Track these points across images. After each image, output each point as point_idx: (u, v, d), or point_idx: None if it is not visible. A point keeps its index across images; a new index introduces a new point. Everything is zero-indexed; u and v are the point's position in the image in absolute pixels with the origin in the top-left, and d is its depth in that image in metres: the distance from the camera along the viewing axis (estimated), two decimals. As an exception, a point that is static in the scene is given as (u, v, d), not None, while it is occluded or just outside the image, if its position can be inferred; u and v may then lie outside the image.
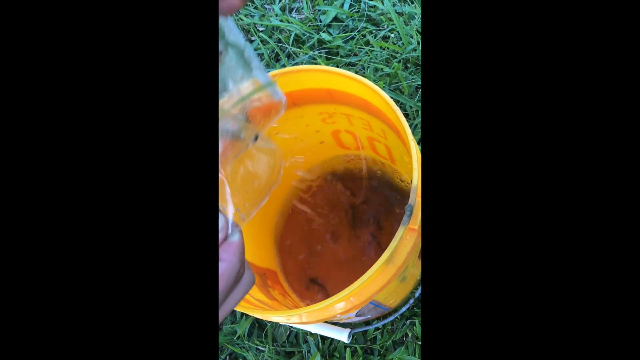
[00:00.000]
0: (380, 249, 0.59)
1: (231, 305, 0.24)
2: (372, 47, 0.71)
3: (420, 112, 0.64)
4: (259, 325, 0.60)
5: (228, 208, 0.29)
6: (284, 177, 0.61)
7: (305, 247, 0.62)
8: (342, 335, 0.54)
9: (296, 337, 0.59)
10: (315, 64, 0.72)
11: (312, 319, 0.38)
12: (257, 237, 0.58)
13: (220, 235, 0.25)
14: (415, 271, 0.51)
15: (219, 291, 0.22)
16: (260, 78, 0.30)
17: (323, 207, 0.62)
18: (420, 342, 0.55)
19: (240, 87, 0.30)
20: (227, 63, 0.29)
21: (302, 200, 0.62)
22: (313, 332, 0.56)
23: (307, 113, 0.51)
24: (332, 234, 0.61)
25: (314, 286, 0.60)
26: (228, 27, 0.28)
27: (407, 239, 0.35)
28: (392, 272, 0.36)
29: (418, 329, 0.55)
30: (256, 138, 0.32)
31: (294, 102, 0.48)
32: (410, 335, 0.56)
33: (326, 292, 0.59)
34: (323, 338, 0.57)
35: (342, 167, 0.61)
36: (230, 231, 0.26)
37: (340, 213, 0.61)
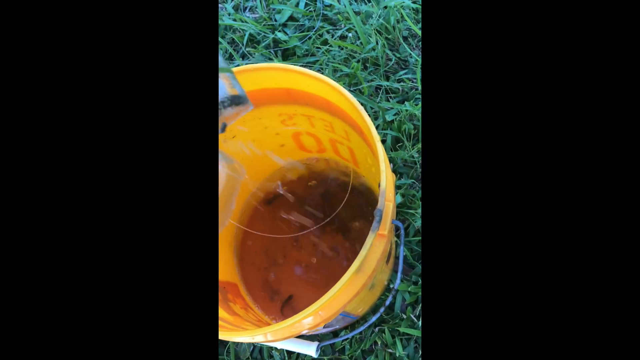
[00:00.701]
0: (346, 256, 0.56)
1: None
2: (330, 46, 0.69)
3: (381, 114, 0.63)
4: (220, 341, 0.56)
5: None
6: (242, 183, 0.58)
7: (267, 257, 0.58)
8: (309, 350, 0.51)
9: (260, 352, 0.56)
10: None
11: (278, 337, 0.35)
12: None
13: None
14: (383, 276, 0.49)
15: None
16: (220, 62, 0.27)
17: (285, 214, 0.59)
18: (390, 350, 0.53)
19: None
20: None
21: (262, 207, 0.59)
22: (279, 347, 0.53)
23: (266, 114, 0.48)
24: (294, 242, 0.58)
25: (278, 297, 0.57)
26: None
27: (376, 246, 0.33)
28: (362, 282, 0.34)
29: (387, 336, 0.53)
30: (223, 129, 0.29)
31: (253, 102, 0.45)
32: (379, 343, 0.54)
33: (291, 304, 0.56)
34: (289, 353, 0.54)
35: (303, 171, 0.59)
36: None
37: (302, 219, 0.59)
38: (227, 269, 0.56)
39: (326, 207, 0.59)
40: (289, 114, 0.48)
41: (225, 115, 0.30)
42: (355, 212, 0.57)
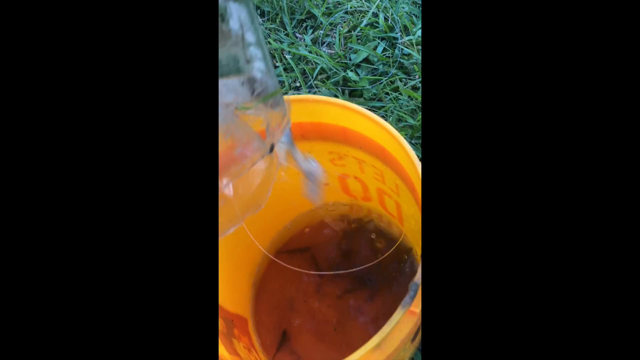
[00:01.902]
0: (370, 318, 0.51)
1: None
2: (399, 95, 0.67)
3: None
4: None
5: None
6: (277, 216, 0.55)
7: (285, 299, 0.54)
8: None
9: (254, 400, 0.51)
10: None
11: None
12: (233, 277, 0.51)
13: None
14: (405, 354, 0.43)
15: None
16: (269, 83, 0.24)
17: (313, 257, 0.55)
18: None
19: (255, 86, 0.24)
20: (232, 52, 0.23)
21: (291, 248, 0.56)
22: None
23: (316, 150, 0.45)
24: (317, 289, 0.54)
25: (287, 343, 0.52)
26: (240, 13, 0.23)
27: (404, 324, 0.28)
28: (378, 360, 0.29)
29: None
30: (271, 149, 0.26)
31: (302, 134, 0.43)
32: None
33: (290, 347, 0.51)
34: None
35: (342, 216, 0.55)
36: None
37: (330, 267, 0.54)
38: (241, 301, 0.52)
39: (357, 258, 0.54)
40: (339, 154, 0.45)
41: (265, 118, 0.27)
42: (390, 274, 0.52)
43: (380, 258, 0.52)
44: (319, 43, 0.77)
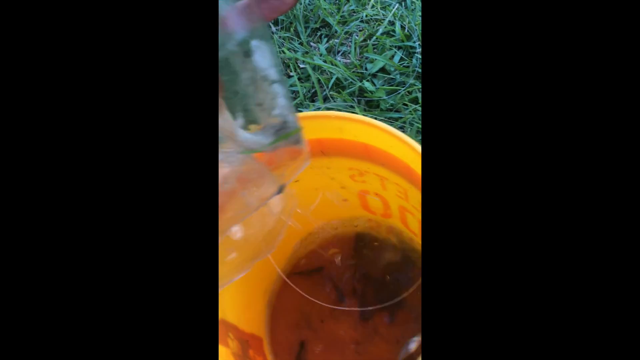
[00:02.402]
0: (390, 339, 0.49)
1: None
2: (418, 106, 0.65)
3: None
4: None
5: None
6: (295, 232, 0.53)
7: (302, 317, 0.53)
8: None
9: (269, 423, 0.49)
10: (353, 112, 0.66)
11: None
12: (247, 295, 0.49)
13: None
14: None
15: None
16: (290, 121, 0.23)
17: (331, 275, 0.53)
18: None
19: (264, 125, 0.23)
20: (247, 93, 0.22)
21: (303, 268, 0.54)
22: None
23: (335, 165, 0.43)
24: (336, 309, 0.52)
25: (303, 365, 0.50)
26: (262, 50, 0.22)
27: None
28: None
29: None
30: (281, 190, 0.24)
31: (322, 150, 0.41)
32: None
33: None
34: None
35: (362, 233, 0.53)
36: None
37: (349, 286, 0.53)
38: (255, 320, 0.51)
39: (373, 278, 0.53)
40: (360, 170, 0.43)
41: (280, 161, 0.26)
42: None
43: (410, 291, 0.50)
44: (334, 52, 0.75)
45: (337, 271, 0.54)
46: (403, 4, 0.77)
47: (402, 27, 0.74)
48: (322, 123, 0.38)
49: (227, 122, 0.22)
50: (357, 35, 0.76)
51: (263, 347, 0.50)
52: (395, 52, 0.72)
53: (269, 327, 0.53)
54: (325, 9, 0.79)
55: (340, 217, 0.54)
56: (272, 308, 0.54)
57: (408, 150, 0.34)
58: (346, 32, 0.76)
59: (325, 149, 0.41)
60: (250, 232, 0.26)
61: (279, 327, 0.53)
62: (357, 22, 0.77)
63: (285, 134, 0.23)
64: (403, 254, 0.51)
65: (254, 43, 0.21)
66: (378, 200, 0.47)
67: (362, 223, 0.53)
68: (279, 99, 0.23)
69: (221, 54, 0.21)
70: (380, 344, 0.49)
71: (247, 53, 0.21)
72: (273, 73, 0.22)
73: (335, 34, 0.77)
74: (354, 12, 0.79)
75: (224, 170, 0.23)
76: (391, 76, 0.70)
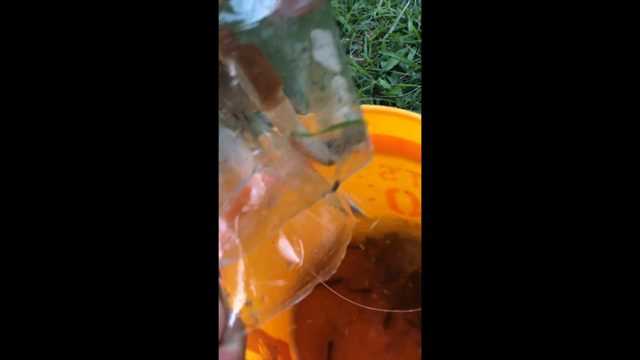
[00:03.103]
0: (416, 348, 0.48)
1: None
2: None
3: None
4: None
5: (235, 296, 0.19)
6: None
7: (327, 321, 0.51)
8: None
9: None
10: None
11: None
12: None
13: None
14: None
15: None
16: (353, 113, 0.22)
17: (354, 278, 0.52)
18: None
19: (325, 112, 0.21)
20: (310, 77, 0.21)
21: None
22: None
23: (365, 163, 0.42)
24: (360, 310, 0.51)
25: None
26: (323, 40, 0.20)
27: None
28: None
29: None
30: (336, 186, 0.23)
31: (354, 147, 0.40)
32: None
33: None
34: None
35: (388, 233, 0.52)
36: (228, 333, 0.18)
37: (376, 287, 0.51)
38: (281, 325, 0.49)
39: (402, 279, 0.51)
40: (391, 167, 0.42)
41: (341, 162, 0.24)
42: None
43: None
44: (346, 51, 0.74)
45: (359, 277, 0.53)
46: (415, 0, 0.77)
47: (415, 24, 0.73)
48: (356, 118, 0.36)
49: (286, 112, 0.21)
50: (369, 34, 0.75)
51: (289, 352, 0.49)
52: (409, 49, 0.71)
53: (294, 332, 0.51)
54: (335, 7, 0.78)
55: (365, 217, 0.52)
56: (296, 313, 0.52)
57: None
58: (357, 31, 0.75)
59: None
60: (308, 238, 0.24)
61: (304, 332, 0.51)
62: (367, 21, 0.76)
63: (347, 122, 0.21)
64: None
65: (314, 33, 0.20)
66: (407, 198, 0.45)
67: (388, 224, 0.52)
68: (342, 93, 0.21)
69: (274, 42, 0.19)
70: (408, 343, 0.48)
71: (307, 48, 0.20)
72: (334, 64, 0.21)
73: (346, 32, 0.76)
74: (364, 11, 0.78)
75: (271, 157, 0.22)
76: (406, 74, 0.69)
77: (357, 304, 0.48)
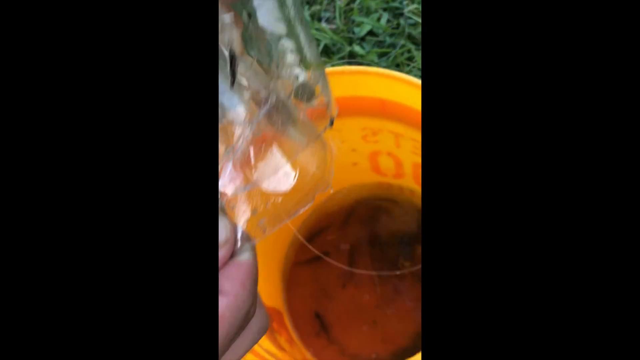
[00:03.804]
0: (410, 297, 0.49)
1: None
2: (411, 65, 0.64)
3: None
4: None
5: (239, 210, 0.19)
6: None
7: (318, 286, 0.52)
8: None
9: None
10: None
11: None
12: (265, 266, 0.48)
13: (222, 252, 0.17)
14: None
15: (219, 340, 0.16)
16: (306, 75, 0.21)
17: (344, 242, 0.53)
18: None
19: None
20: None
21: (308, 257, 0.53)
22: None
23: (348, 127, 0.42)
24: (351, 275, 0.52)
25: (324, 333, 0.50)
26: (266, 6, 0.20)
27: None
28: None
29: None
30: (331, 122, 0.23)
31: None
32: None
33: (340, 346, 0.49)
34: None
35: (373, 196, 0.53)
36: (238, 246, 0.18)
37: (364, 251, 0.52)
38: (273, 293, 0.50)
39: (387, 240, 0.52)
40: (373, 129, 0.42)
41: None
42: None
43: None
44: (316, 19, 0.73)
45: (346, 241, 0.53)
46: (384, -36, 0.75)
47: (386, -11, 0.72)
48: (336, 80, 0.36)
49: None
50: (340, 1, 0.73)
51: (284, 320, 0.50)
52: (382, 13, 0.70)
53: (286, 300, 0.52)
54: (304, -26, 0.76)
55: (348, 183, 0.53)
56: (286, 280, 0.53)
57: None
58: (328, -3, 0.74)
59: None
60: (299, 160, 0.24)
61: (296, 299, 0.52)
62: (338, -13, 0.75)
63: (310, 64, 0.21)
64: (417, 214, 0.51)
65: (256, 2, 0.20)
66: (390, 160, 0.46)
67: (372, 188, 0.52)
68: (288, 56, 0.21)
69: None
70: (403, 303, 0.49)
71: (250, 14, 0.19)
72: (280, 28, 0.21)
73: (317, 0, 0.74)
74: (334, -23, 0.77)
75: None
76: (379, 39, 0.68)
77: (348, 268, 0.49)
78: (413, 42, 0.67)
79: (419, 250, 0.51)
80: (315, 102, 0.25)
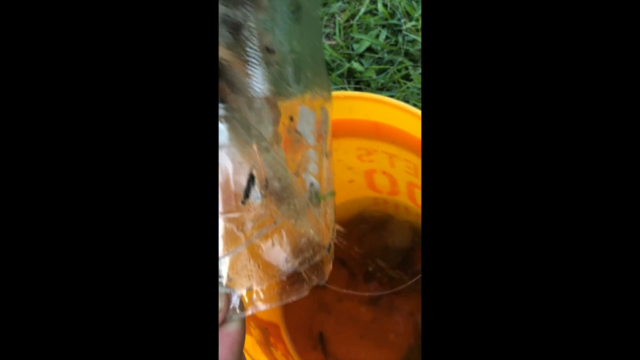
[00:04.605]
0: (408, 311, 0.50)
1: None
2: (408, 83, 0.65)
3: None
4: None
5: (237, 283, 0.20)
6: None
7: (315, 300, 0.53)
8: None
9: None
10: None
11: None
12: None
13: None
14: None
15: None
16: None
17: (340, 256, 0.54)
18: None
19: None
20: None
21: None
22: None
23: (343, 147, 0.43)
24: (346, 289, 0.53)
25: (321, 347, 0.51)
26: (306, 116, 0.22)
27: None
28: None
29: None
30: (329, 249, 0.24)
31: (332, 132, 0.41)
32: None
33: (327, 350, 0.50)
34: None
35: (368, 213, 0.54)
36: (230, 314, 0.19)
37: (357, 266, 0.53)
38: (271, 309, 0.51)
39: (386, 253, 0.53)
40: (368, 150, 0.43)
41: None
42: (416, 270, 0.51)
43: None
44: (318, 35, 0.75)
45: (346, 254, 0.54)
46: (383, -19, 0.77)
47: (384, 5, 0.74)
48: (334, 104, 0.38)
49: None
50: (340, 17, 0.75)
51: (281, 333, 0.51)
52: (380, 30, 0.72)
53: (283, 313, 0.53)
54: (305, -9, 0.78)
55: (344, 199, 0.54)
56: (284, 294, 0.54)
57: (419, 123, 0.35)
58: (329, 14, 0.76)
59: (334, 131, 0.41)
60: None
61: (293, 313, 0.53)
62: (339, 4, 0.76)
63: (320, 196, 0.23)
64: (412, 230, 0.52)
65: (303, 109, 0.22)
66: (385, 178, 0.47)
67: (368, 204, 0.53)
68: (311, 165, 0.23)
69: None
70: (399, 317, 0.50)
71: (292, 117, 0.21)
72: (310, 139, 0.22)
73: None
74: (334, -7, 0.78)
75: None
76: (378, 55, 0.70)
77: (343, 290, 0.50)
78: (410, 59, 0.69)
79: (415, 265, 0.52)
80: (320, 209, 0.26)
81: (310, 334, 0.52)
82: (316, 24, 0.23)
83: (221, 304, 0.19)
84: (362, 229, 0.54)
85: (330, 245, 0.25)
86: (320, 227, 0.24)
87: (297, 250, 0.22)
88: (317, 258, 0.23)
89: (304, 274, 0.23)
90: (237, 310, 0.19)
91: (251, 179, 0.20)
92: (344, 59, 0.70)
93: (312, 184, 0.23)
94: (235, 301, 0.19)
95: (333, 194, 0.24)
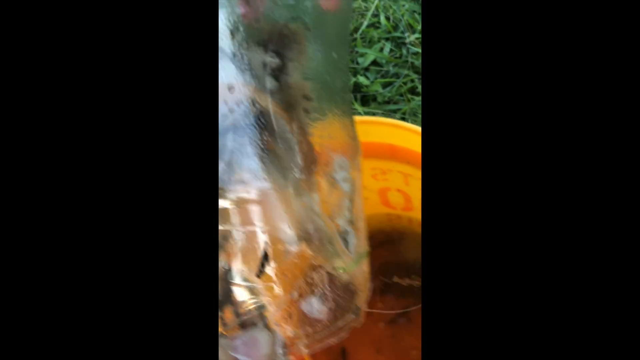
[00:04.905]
0: (407, 333, 0.51)
1: None
2: (414, 96, 0.66)
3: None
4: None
5: (282, 328, 0.21)
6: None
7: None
8: None
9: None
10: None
11: None
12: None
13: None
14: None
15: None
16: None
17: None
18: None
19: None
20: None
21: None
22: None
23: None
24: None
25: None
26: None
27: None
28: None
29: None
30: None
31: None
32: None
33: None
34: None
35: (383, 228, 0.55)
36: (272, 357, 0.20)
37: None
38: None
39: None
40: (382, 169, 0.44)
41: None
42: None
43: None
44: (322, 49, 0.76)
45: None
46: (385, -5, 0.78)
47: (387, 18, 0.75)
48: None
49: None
50: (343, 30, 0.76)
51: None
52: (384, 43, 0.73)
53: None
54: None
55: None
56: (302, 311, 0.55)
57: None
58: (332, 28, 0.77)
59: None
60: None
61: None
62: (341, 17, 0.77)
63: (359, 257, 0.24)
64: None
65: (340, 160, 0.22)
66: (399, 195, 0.48)
67: (382, 219, 0.54)
68: (345, 212, 0.23)
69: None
70: (414, 331, 0.51)
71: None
72: (346, 187, 0.23)
73: (321, 31, 0.77)
74: (336, 7, 0.79)
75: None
76: (384, 69, 0.71)
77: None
78: (416, 71, 0.70)
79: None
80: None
81: (331, 349, 0.52)
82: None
83: (266, 348, 0.19)
84: (376, 245, 0.55)
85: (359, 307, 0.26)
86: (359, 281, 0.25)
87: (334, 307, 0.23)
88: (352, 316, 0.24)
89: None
90: (285, 354, 0.20)
91: (265, 257, 0.21)
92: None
93: (346, 232, 0.24)
94: (279, 343, 0.20)
95: (368, 253, 0.25)
